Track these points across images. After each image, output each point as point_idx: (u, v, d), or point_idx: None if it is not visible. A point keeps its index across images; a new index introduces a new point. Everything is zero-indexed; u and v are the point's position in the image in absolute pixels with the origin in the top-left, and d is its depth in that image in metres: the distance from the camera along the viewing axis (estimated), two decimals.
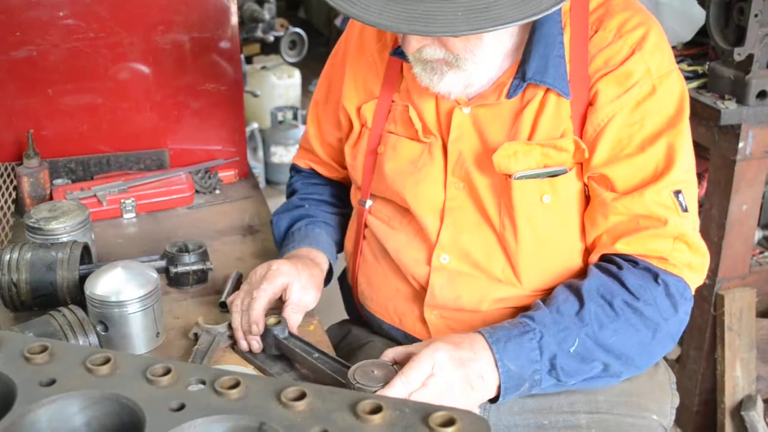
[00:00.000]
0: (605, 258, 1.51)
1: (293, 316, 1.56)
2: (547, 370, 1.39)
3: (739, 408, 2.71)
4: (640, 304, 1.42)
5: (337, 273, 1.89)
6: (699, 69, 2.66)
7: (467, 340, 1.37)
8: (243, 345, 1.54)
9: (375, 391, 1.27)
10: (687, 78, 2.62)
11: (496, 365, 1.35)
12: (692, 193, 1.49)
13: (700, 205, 2.79)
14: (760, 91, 2.43)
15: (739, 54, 2.40)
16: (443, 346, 1.33)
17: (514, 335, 1.37)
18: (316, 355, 1.45)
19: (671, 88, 1.48)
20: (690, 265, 1.47)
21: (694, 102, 2.50)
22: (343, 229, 1.84)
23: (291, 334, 1.50)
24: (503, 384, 1.35)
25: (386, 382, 1.29)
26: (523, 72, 1.48)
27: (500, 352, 1.35)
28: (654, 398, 1.65)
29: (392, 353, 1.39)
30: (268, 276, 1.57)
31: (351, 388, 1.30)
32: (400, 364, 1.34)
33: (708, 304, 2.69)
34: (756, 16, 2.35)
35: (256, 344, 1.53)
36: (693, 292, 1.49)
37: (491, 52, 1.45)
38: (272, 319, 1.50)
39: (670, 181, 1.45)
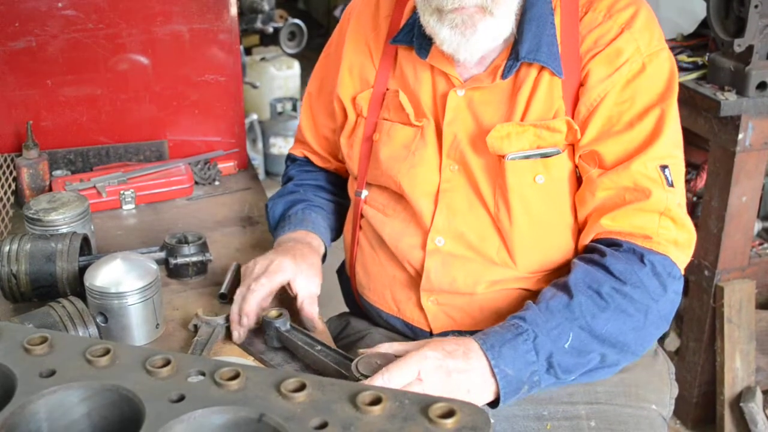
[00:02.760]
0: (588, 247, 1.51)
1: (311, 309, 1.57)
2: (545, 369, 1.38)
3: (738, 399, 2.71)
4: (628, 288, 1.41)
5: (335, 265, 1.90)
6: (699, 60, 2.66)
7: (462, 349, 1.34)
8: (234, 335, 1.52)
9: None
10: (687, 69, 2.62)
11: (492, 372, 1.33)
12: (679, 170, 1.50)
13: (700, 197, 2.79)
14: (760, 82, 2.42)
15: (739, 45, 2.40)
16: (432, 354, 1.31)
17: (507, 339, 1.36)
18: (318, 347, 1.44)
19: (661, 66, 1.50)
20: (676, 242, 1.47)
21: (694, 93, 2.50)
22: (337, 215, 1.85)
23: (293, 327, 1.49)
24: (502, 390, 1.34)
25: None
26: (517, 52, 1.50)
27: (496, 358, 1.34)
28: (653, 388, 1.65)
29: (387, 348, 1.38)
30: (268, 271, 1.56)
31: (354, 379, 1.30)
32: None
33: (707, 295, 2.70)
34: (756, 7, 2.35)
35: (237, 334, 1.51)
36: (682, 272, 1.48)
37: (507, 6, 1.46)
38: (273, 312, 1.49)
39: (657, 155, 1.46)
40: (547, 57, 1.48)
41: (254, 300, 1.52)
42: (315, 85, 1.85)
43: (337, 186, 1.89)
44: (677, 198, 1.48)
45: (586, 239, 1.51)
